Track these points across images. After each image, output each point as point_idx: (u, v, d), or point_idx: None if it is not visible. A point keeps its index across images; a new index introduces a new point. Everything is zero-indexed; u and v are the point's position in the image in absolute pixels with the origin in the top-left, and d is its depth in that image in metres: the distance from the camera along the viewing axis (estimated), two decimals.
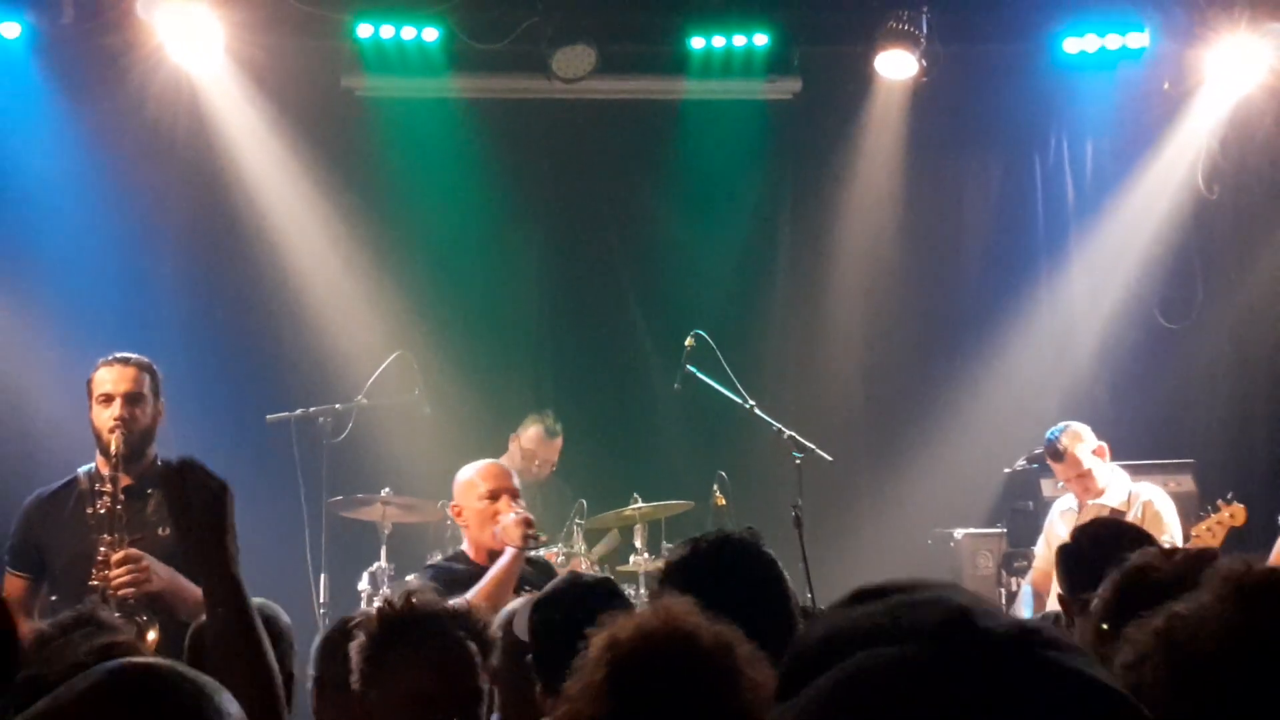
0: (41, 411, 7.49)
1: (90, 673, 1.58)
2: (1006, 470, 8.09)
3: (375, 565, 7.15)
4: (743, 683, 2.15)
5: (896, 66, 8.43)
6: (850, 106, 8.79)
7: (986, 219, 9.06)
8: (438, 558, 7.10)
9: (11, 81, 7.95)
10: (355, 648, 3.25)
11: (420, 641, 3.21)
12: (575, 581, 3.95)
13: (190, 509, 2.58)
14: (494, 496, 5.85)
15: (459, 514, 6.01)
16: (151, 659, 1.62)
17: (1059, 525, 6.80)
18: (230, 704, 1.60)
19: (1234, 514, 6.29)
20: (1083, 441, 6.87)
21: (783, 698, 1.12)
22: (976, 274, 9.03)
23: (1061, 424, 7.00)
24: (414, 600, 3.31)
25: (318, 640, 3.94)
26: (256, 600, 4.13)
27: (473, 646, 3.25)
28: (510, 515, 5.69)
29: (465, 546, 5.97)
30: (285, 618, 3.92)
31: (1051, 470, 7.19)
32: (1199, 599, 1.75)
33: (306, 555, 7.17)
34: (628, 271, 8.97)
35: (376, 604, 3.49)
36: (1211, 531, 6.26)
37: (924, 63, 8.37)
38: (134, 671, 1.59)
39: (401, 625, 3.24)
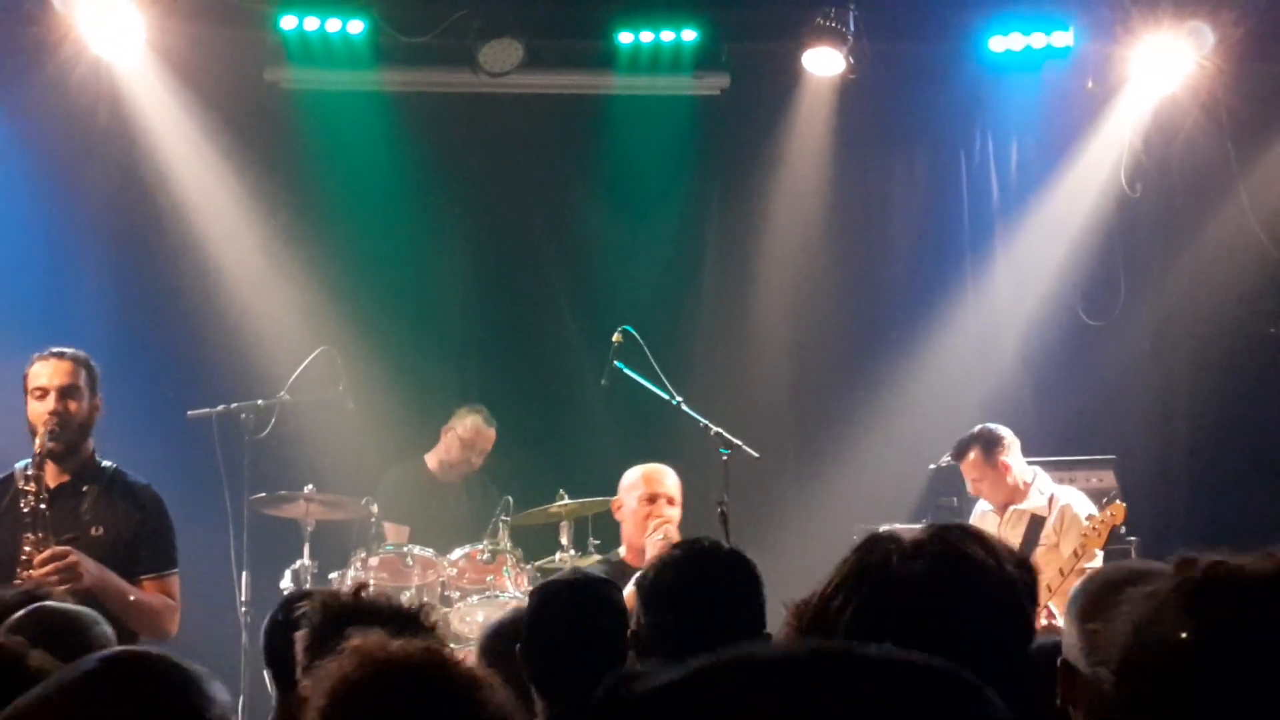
0: None
1: (82, 660, 1.59)
2: (931, 466, 8.13)
3: (298, 563, 7.09)
4: (461, 686, 2.15)
5: (824, 63, 8.45)
6: (778, 103, 8.80)
7: (912, 216, 9.11)
8: (363, 554, 7.08)
9: None
10: (299, 639, 3.19)
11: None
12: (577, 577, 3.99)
13: None
14: (651, 500, 6.26)
15: (618, 509, 6.42)
16: (142, 648, 1.61)
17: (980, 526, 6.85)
18: (220, 691, 1.61)
19: (1114, 513, 6.37)
20: (996, 448, 6.89)
21: None
22: (902, 270, 9.08)
23: (976, 428, 7.03)
24: (360, 593, 3.27)
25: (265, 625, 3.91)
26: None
27: None
28: (658, 535, 6.07)
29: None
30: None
31: None
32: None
33: (230, 553, 7.10)
34: (555, 266, 8.94)
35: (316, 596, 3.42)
36: (1097, 531, 6.33)
37: (851, 60, 8.39)
38: (125, 659, 1.60)
39: (346, 617, 3.14)
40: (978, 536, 2.18)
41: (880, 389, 8.77)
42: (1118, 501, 6.52)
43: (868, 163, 9.03)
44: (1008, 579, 2.12)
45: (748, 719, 1.09)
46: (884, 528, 7.75)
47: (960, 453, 6.96)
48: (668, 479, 6.42)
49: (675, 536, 6.21)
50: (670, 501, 6.33)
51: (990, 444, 6.87)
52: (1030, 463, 7.00)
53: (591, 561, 6.84)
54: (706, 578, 3.27)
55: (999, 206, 9.10)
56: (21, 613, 3.79)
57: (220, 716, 1.59)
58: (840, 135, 8.84)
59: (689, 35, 8.51)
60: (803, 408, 8.89)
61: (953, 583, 2.07)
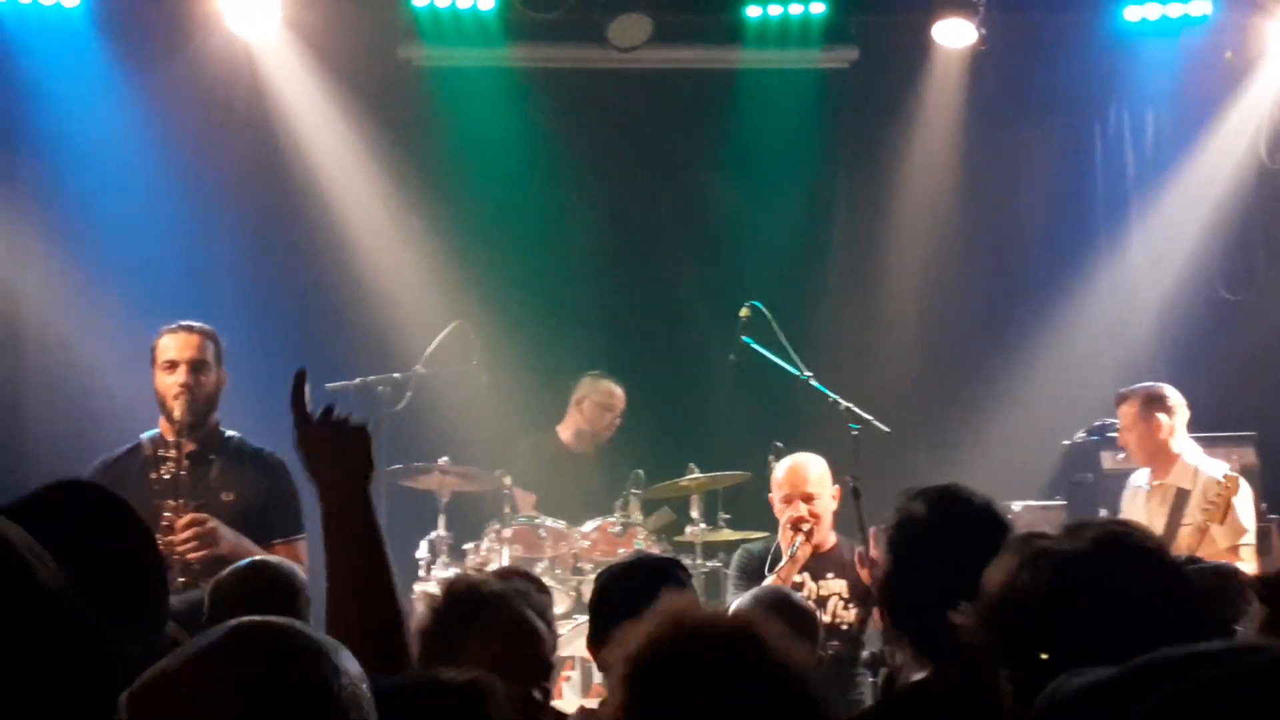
0: (104, 378, 7.53)
1: (212, 631, 1.60)
2: (1065, 443, 8.03)
3: (433, 533, 7.19)
4: (771, 658, 2.08)
5: (955, 35, 8.36)
6: (907, 76, 8.72)
7: (1045, 190, 8.98)
8: (497, 526, 7.18)
9: (72, 50, 7.98)
10: (416, 625, 3.19)
11: (488, 617, 3.16)
12: (641, 558, 4.06)
13: (343, 455, 2.52)
14: (788, 501, 6.44)
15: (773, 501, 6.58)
16: (270, 618, 1.63)
17: (1129, 506, 6.80)
18: (349, 662, 1.62)
19: (1229, 485, 6.26)
20: (1157, 403, 6.81)
21: None
22: (1035, 245, 8.96)
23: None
24: (477, 578, 3.31)
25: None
26: (273, 559, 4.19)
27: (540, 623, 3.22)
28: (797, 537, 6.30)
29: None
30: (302, 575, 3.95)
31: (1112, 443, 7.15)
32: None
33: None
34: (683, 242, 8.95)
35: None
36: (1215, 505, 6.22)
37: (983, 31, 8.29)
38: (254, 629, 1.61)
39: (468, 600, 3.20)
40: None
41: (1012, 364, 8.67)
42: (1229, 473, 6.41)
43: (999, 136, 8.90)
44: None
45: None
46: (1015, 505, 7.70)
47: (1123, 397, 6.92)
48: (804, 475, 6.49)
49: (815, 534, 6.35)
50: (807, 498, 6.43)
51: (1154, 398, 6.81)
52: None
53: (744, 536, 6.94)
54: (958, 524, 3.15)
55: (1134, 179, 8.94)
56: (234, 570, 3.97)
57: (348, 686, 1.59)
58: (971, 108, 8.74)
59: (817, 8, 8.47)
60: (933, 383, 8.82)
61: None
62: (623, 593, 3.70)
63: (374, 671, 2.18)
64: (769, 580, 6.18)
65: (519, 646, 3.15)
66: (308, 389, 2.60)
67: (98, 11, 7.97)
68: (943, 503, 3.09)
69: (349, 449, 2.52)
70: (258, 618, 1.64)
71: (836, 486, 6.46)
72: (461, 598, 3.20)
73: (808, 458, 6.58)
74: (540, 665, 3.20)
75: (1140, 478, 6.91)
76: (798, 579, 6.37)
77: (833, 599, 6.39)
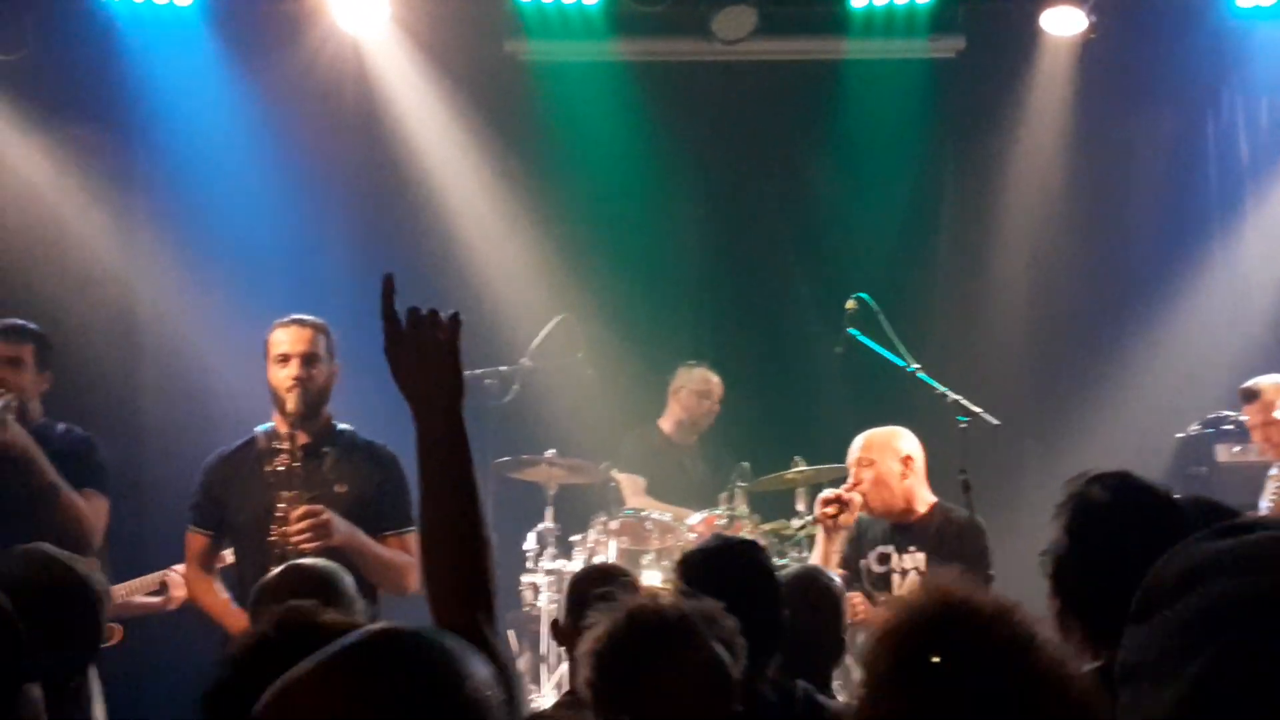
0: (218, 371, 7.66)
1: (344, 639, 1.62)
2: (1179, 435, 7.91)
3: (541, 525, 7.25)
4: (1037, 648, 2.03)
5: (1063, 22, 8.25)
6: (1016, 64, 8.61)
7: (1157, 179, 8.83)
8: (603, 518, 7.21)
9: (185, 48, 8.11)
10: (591, 644, 3.01)
11: (675, 651, 2.94)
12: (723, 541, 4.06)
13: (432, 372, 2.56)
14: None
15: None
16: (400, 625, 1.65)
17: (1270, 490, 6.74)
18: (478, 666, 1.62)
19: None
20: None
21: (1135, 621, 1.22)
22: (1146, 235, 8.81)
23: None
24: (664, 607, 3.05)
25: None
26: (319, 561, 4.17)
27: (727, 655, 3.00)
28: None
29: None
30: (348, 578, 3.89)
31: (1228, 435, 7.04)
32: None
33: None
34: (788, 233, 8.93)
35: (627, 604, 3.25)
36: None
37: (1092, 18, 8.17)
38: (384, 635, 1.62)
39: (655, 631, 2.96)
40: None
41: (1124, 356, 8.55)
42: None
43: (1109, 125, 8.77)
44: None
45: None
46: None
47: (1250, 395, 6.82)
48: (851, 448, 6.39)
49: (849, 505, 6.15)
50: (860, 464, 6.30)
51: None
52: None
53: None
54: (1138, 510, 3.10)
55: (1248, 168, 8.76)
56: (276, 571, 3.99)
57: (477, 691, 1.59)
58: (1080, 97, 8.61)
59: None
60: (1042, 375, 8.71)
61: None
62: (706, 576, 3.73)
63: (462, 602, 2.33)
64: (812, 559, 6.15)
65: (702, 684, 2.95)
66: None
67: (210, 10, 8.09)
68: (1123, 488, 3.06)
69: (437, 365, 2.56)
70: (389, 624, 1.66)
71: (907, 454, 6.30)
72: (648, 627, 2.99)
73: (865, 434, 6.46)
74: (724, 702, 2.98)
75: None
76: (884, 549, 6.30)
77: (911, 574, 6.29)
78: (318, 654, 1.60)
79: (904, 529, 6.34)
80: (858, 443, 6.37)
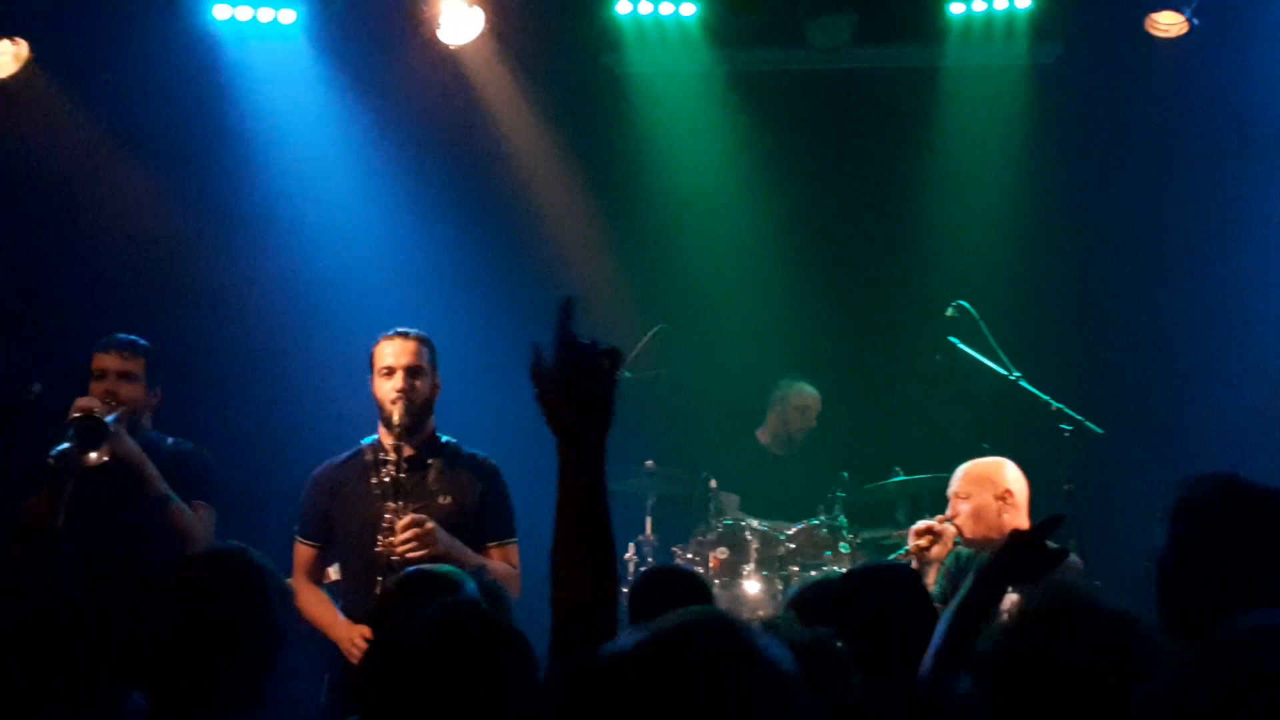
0: (324, 384, 7.74)
1: (661, 620, 1.80)
2: None
3: (640, 536, 7.27)
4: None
5: (1166, 25, 8.14)
6: (1117, 68, 8.49)
7: (1270, 179, 8.64)
8: (702, 529, 7.22)
9: (289, 65, 8.24)
10: None
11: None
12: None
13: (584, 400, 2.56)
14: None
15: None
16: (715, 610, 1.83)
17: None
18: (779, 649, 1.78)
19: None
20: None
21: None
22: (1253, 241, 8.63)
23: None
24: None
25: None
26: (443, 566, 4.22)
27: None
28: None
29: None
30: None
31: None
32: None
33: None
34: (887, 242, 8.87)
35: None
36: None
37: (1195, 21, 8.05)
38: (703, 621, 1.78)
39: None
40: None
41: (1233, 358, 8.34)
42: None
43: (1214, 127, 8.61)
44: None
45: None
46: None
47: None
48: (954, 479, 6.18)
49: (941, 538, 6.04)
50: (957, 496, 6.09)
51: None
52: None
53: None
54: (1244, 515, 3.00)
55: None
56: (401, 575, 4.03)
57: (782, 679, 1.73)
58: (1182, 99, 8.47)
59: (1022, 3, 8.30)
60: (1148, 380, 8.54)
61: None
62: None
63: (586, 629, 2.37)
64: None
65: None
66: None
67: (312, 26, 8.21)
68: (1225, 489, 3.02)
69: (591, 397, 2.57)
70: (705, 608, 1.84)
71: (1006, 488, 6.05)
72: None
73: (964, 466, 6.26)
74: None
75: None
76: None
77: (1003, 616, 6.13)
78: (645, 628, 1.79)
79: None
80: (957, 474, 6.16)
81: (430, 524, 5.25)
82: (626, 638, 1.79)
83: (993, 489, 6.05)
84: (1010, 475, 6.10)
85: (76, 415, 5.38)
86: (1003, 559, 3.56)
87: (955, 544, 6.03)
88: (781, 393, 8.30)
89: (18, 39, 7.70)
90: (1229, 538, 2.93)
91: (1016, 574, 3.58)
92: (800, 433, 8.26)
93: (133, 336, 5.81)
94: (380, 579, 5.08)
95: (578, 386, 2.54)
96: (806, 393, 8.26)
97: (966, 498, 6.07)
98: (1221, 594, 2.85)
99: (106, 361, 5.69)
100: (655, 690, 1.71)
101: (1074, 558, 5.94)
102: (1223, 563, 2.90)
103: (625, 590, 7.03)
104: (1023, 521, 6.03)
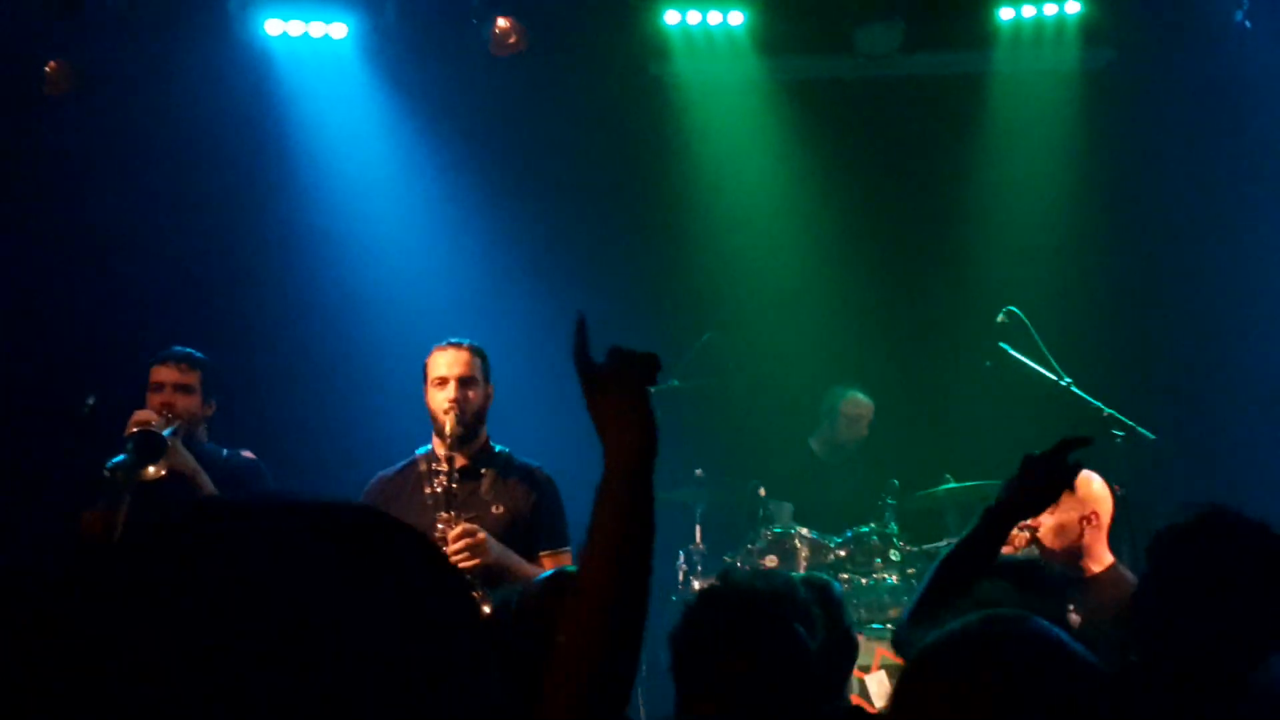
0: (378, 394, 7.80)
1: (963, 626, 1.81)
2: None
3: (690, 545, 7.28)
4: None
5: (1216, 29, 8.08)
6: (1168, 73, 8.44)
7: None
8: (752, 537, 7.22)
9: (340, 78, 8.33)
10: (668, 640, 3.01)
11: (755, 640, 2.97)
12: None
13: (626, 413, 2.43)
14: None
15: None
16: (1019, 611, 1.84)
17: None
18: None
19: None
20: None
21: None
22: None
23: None
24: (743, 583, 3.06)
25: None
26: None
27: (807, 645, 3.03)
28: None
29: None
30: None
31: None
32: None
33: None
34: (937, 248, 8.84)
35: None
36: None
37: (1247, 24, 7.99)
38: (1004, 621, 1.82)
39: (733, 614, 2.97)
40: None
41: None
42: None
43: (1267, 129, 8.54)
44: None
45: None
46: None
47: None
48: None
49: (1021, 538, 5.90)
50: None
51: None
52: None
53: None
54: (1223, 546, 3.01)
55: None
56: (538, 581, 4.01)
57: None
58: (1236, 102, 8.41)
59: (1072, 8, 8.27)
60: (1201, 387, 8.48)
61: None
62: None
63: (602, 660, 2.19)
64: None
65: (781, 667, 2.97)
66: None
67: (362, 40, 8.27)
68: (1212, 524, 3.00)
69: (633, 407, 2.43)
70: (1008, 611, 1.85)
71: (1093, 508, 5.67)
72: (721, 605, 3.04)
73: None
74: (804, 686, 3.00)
75: None
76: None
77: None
78: (945, 632, 1.81)
79: (1073, 585, 6.09)
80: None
81: (482, 534, 5.25)
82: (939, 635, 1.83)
83: (1080, 508, 5.87)
84: (1098, 493, 5.93)
85: (134, 429, 5.42)
86: (1013, 495, 3.36)
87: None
88: (833, 401, 8.28)
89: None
90: (1206, 572, 2.90)
91: (1027, 508, 3.43)
92: (852, 441, 8.24)
93: (189, 349, 5.86)
94: None
95: (619, 395, 2.43)
96: (860, 401, 8.22)
97: (1053, 510, 5.88)
98: (1197, 630, 2.83)
99: (163, 374, 5.73)
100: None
101: (1125, 570, 5.86)
102: (1199, 597, 2.86)
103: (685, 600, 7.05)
104: (1102, 546, 5.77)
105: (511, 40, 7.88)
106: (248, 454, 5.94)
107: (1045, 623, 1.79)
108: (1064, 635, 1.77)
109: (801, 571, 7.06)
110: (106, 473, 5.30)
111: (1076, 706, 1.71)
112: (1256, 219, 8.53)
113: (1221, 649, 2.82)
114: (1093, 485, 5.88)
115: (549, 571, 4.17)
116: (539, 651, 2.26)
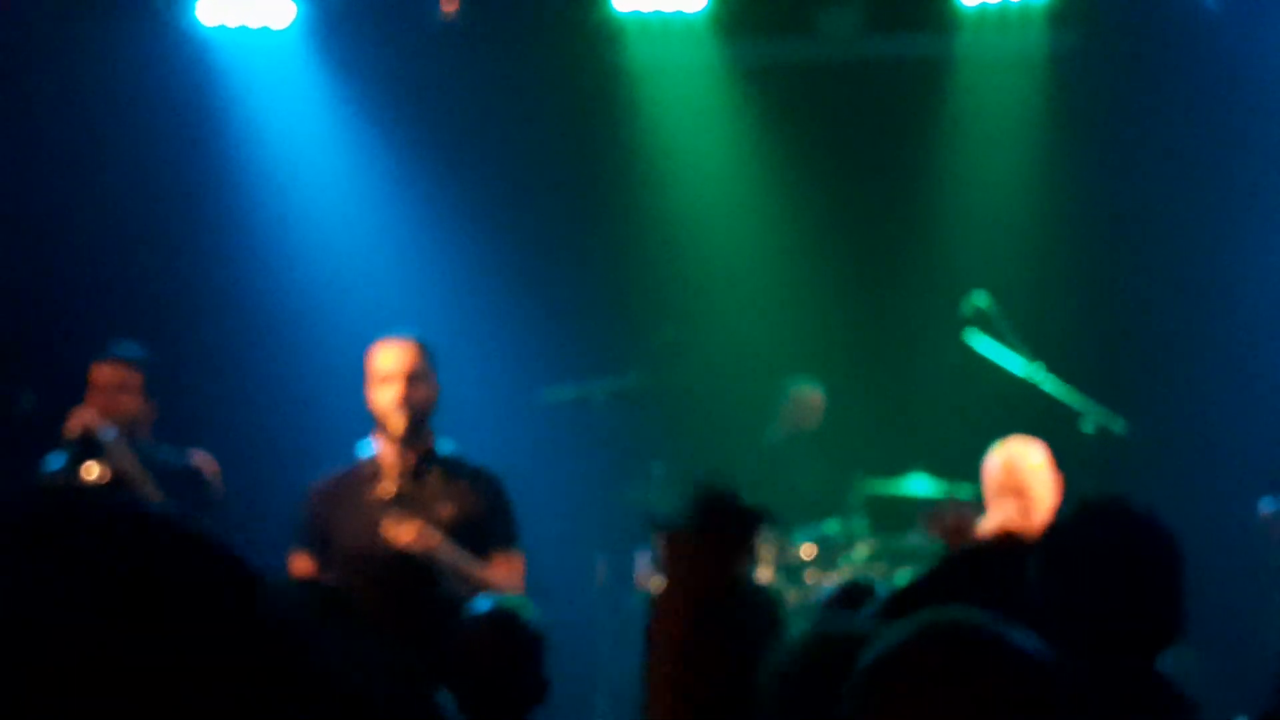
0: (323, 392, 7.61)
1: (916, 624, 1.73)
2: None
3: (650, 545, 7.15)
4: None
5: (1183, 14, 7.98)
6: (1135, 58, 8.33)
7: None
8: None
9: (282, 65, 8.18)
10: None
11: None
12: None
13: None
14: None
15: None
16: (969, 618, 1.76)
17: None
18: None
19: None
20: None
21: None
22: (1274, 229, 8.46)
23: None
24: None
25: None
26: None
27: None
28: None
29: None
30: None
31: None
32: None
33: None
34: (901, 236, 8.71)
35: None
36: None
37: (1215, 8, 7.89)
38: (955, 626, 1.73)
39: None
40: None
41: (1258, 357, 8.16)
42: None
43: (1235, 117, 8.44)
44: None
45: None
46: (1268, 504, 7.27)
47: None
48: (994, 469, 5.98)
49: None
50: (1004, 490, 5.91)
51: None
52: None
53: None
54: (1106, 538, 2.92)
55: None
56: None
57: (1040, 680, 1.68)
58: (1203, 87, 8.31)
59: None
60: (1170, 377, 8.37)
61: None
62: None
63: None
64: None
65: None
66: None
67: (307, 26, 8.10)
68: (1101, 515, 2.95)
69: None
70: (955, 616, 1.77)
71: (1031, 500, 5.80)
72: None
73: (1007, 448, 5.98)
74: None
75: None
76: None
77: None
78: (887, 638, 1.73)
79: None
80: (999, 462, 5.93)
81: (431, 534, 5.10)
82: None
83: (1047, 485, 5.81)
84: (1029, 473, 5.86)
85: (74, 431, 5.27)
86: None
87: None
88: (786, 394, 8.23)
89: None
90: (1085, 563, 2.88)
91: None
92: (805, 431, 8.19)
93: (130, 348, 5.73)
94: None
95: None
96: (809, 389, 8.18)
97: (1018, 494, 5.82)
98: (1078, 619, 2.82)
99: (104, 374, 5.60)
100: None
101: None
102: (1078, 588, 2.85)
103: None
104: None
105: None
106: (201, 454, 5.81)
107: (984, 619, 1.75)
108: (1004, 629, 1.73)
109: (764, 573, 6.94)
110: (46, 477, 5.18)
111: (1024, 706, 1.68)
112: (1227, 204, 8.43)
113: (1108, 641, 2.81)
114: (1033, 454, 5.80)
115: (487, 603, 4.10)
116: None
